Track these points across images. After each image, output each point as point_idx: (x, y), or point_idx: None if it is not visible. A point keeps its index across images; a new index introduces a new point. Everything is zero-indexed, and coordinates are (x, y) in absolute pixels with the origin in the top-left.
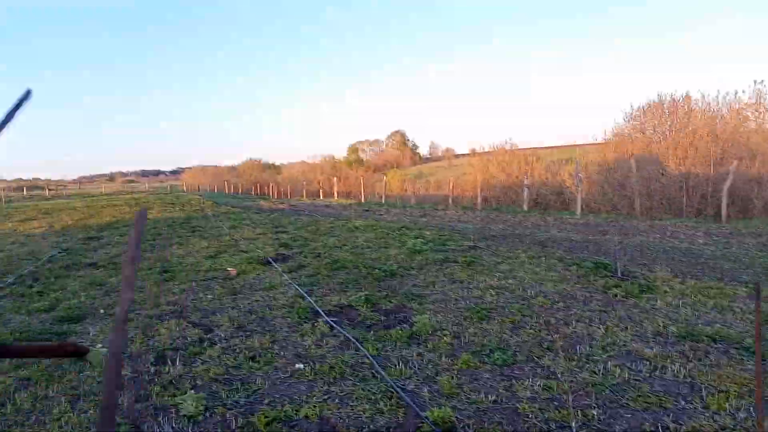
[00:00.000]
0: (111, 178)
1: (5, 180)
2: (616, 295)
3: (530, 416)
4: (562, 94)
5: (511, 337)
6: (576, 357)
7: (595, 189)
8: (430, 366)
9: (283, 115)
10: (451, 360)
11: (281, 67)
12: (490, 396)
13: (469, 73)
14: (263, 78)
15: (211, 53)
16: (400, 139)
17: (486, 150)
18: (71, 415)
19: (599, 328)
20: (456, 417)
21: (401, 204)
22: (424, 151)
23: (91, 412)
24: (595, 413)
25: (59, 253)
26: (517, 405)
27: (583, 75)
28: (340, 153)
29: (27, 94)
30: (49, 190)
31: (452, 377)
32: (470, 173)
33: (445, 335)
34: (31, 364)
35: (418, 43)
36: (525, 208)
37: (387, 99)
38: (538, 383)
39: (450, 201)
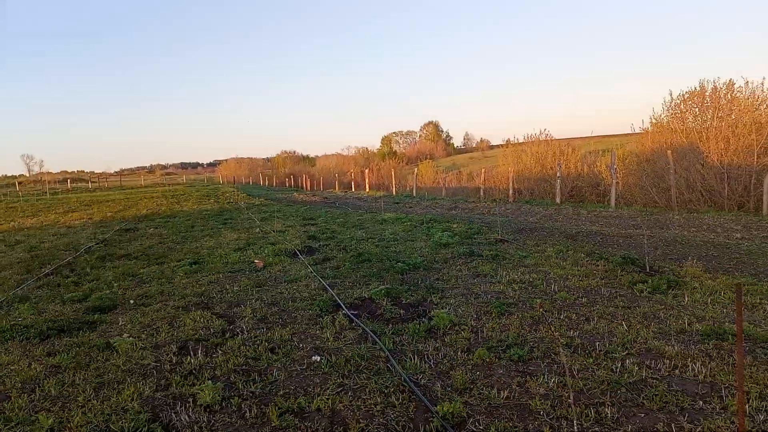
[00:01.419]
0: (151, 170)
1: (51, 172)
2: (642, 291)
3: (541, 413)
4: (599, 83)
5: (530, 332)
6: (594, 354)
7: (633, 181)
8: (445, 360)
9: (318, 107)
10: (467, 355)
11: (316, 57)
12: (502, 392)
13: (506, 62)
14: (299, 69)
15: (243, 47)
16: (434, 130)
17: (520, 141)
18: (95, 402)
19: (621, 325)
20: (467, 412)
21: (432, 196)
22: (458, 142)
23: (113, 399)
24: (609, 412)
25: (96, 244)
26: (530, 402)
27: (616, 65)
28: (374, 145)
29: None
30: (92, 182)
31: (466, 372)
32: (503, 165)
33: (463, 330)
34: (63, 351)
35: (455, 33)
36: (558, 200)
37: (423, 90)
38: (552, 380)
39: (481, 193)
